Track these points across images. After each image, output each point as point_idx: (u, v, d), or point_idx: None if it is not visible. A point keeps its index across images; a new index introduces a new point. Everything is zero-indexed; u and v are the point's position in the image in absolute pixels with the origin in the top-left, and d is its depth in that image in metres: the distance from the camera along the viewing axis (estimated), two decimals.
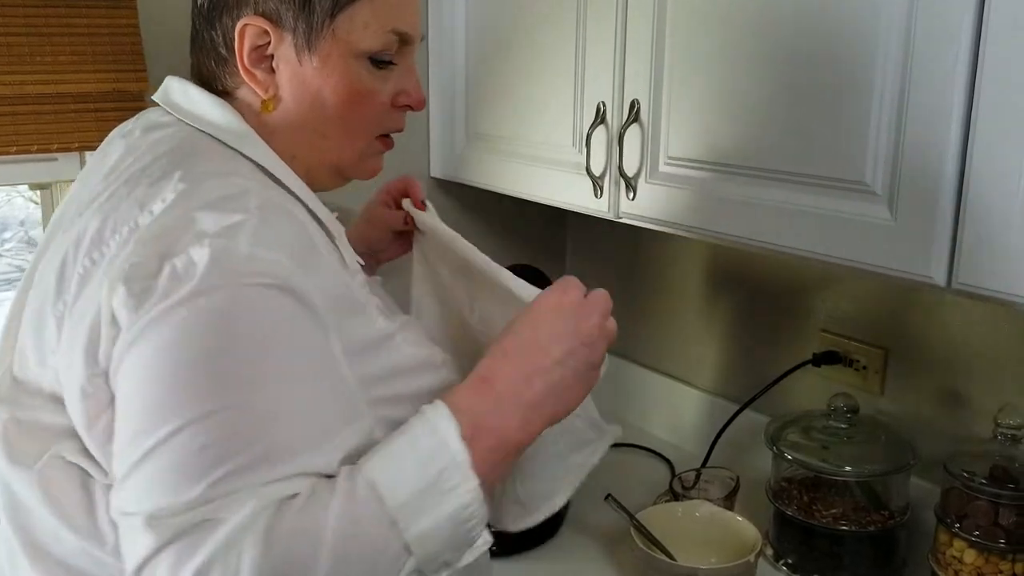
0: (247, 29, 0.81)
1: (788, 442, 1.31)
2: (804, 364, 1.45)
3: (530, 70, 1.44)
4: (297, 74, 0.83)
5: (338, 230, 0.87)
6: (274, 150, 0.84)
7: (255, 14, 0.82)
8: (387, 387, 0.80)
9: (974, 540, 1.13)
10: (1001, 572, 1.13)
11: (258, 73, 0.83)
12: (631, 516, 1.23)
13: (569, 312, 0.81)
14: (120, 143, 0.88)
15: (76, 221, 0.82)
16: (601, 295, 0.84)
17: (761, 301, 1.58)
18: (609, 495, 1.24)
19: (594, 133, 1.30)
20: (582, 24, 1.31)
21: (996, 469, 1.15)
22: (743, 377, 1.61)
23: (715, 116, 1.13)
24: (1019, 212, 0.82)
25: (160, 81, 0.91)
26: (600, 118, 1.29)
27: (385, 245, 1.15)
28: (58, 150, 1.40)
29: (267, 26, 0.81)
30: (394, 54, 0.86)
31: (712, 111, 1.13)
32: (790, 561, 1.30)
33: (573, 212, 1.38)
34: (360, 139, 0.89)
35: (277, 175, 0.83)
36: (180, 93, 0.87)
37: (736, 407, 1.50)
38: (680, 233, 1.21)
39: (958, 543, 1.15)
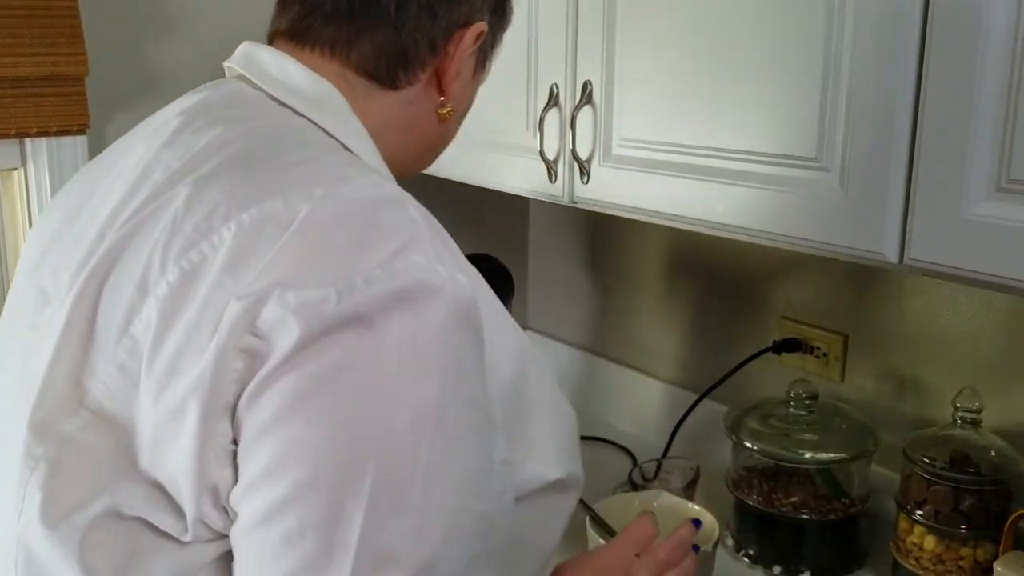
0: (473, 33, 0.74)
1: (747, 430, 1.29)
2: (764, 352, 1.42)
3: None
4: (468, 84, 0.79)
5: None
6: (405, 151, 0.78)
7: (483, 20, 0.75)
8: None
9: (934, 526, 1.11)
10: (962, 559, 1.11)
11: (455, 78, 0.76)
12: (587, 507, 1.20)
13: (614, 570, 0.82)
14: (180, 120, 0.69)
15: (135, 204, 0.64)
16: (655, 551, 0.83)
17: (722, 288, 1.55)
18: None
19: (547, 116, 1.27)
20: (534, 3, 1.28)
21: (955, 454, 1.13)
22: (704, 366, 1.59)
23: (667, 96, 1.10)
24: (971, 182, 0.79)
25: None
26: (553, 100, 1.26)
27: None
28: None
29: (485, 32, 0.76)
30: None
31: (664, 91, 1.11)
32: (751, 552, 1.28)
33: (534, 200, 1.35)
34: None
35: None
36: (276, 67, 0.71)
37: (697, 397, 1.47)
38: (635, 217, 1.18)
39: (918, 530, 1.13)
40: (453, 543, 0.57)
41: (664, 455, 1.46)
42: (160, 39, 1.50)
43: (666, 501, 1.25)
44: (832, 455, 1.24)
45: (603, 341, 1.80)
